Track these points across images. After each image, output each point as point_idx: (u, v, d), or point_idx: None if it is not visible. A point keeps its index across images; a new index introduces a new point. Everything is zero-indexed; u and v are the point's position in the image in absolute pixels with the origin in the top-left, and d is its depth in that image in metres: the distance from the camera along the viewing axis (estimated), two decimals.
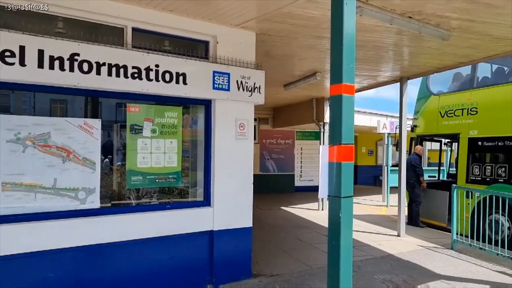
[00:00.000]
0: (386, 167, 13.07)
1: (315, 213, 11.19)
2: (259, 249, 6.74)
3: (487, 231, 7.27)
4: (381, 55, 6.65)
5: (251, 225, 5.31)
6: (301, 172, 16.06)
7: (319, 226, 9.37)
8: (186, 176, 5.30)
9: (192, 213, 4.94)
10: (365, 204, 13.39)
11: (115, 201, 4.77)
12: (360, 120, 13.76)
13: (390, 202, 12.68)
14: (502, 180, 8.02)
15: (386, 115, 14.08)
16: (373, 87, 9.77)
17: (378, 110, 14.98)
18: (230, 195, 5.12)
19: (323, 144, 11.13)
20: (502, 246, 6.56)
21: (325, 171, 2.72)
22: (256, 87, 5.17)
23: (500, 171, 8.13)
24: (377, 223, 9.81)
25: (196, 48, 4.99)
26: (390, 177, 12.73)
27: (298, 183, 15.96)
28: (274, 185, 15.21)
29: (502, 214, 7.27)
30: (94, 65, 4.11)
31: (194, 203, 5.10)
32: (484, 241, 6.90)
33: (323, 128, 11.12)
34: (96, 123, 4.33)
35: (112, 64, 4.21)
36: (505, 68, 8.94)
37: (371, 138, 19.82)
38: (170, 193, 5.14)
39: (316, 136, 14.88)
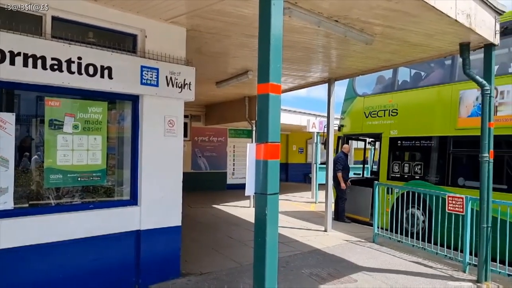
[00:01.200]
0: (315, 165, 13.54)
1: (247, 210, 11.30)
2: (189, 248, 6.67)
3: (404, 224, 7.80)
4: (311, 56, 6.86)
5: (180, 224, 5.23)
6: (233, 170, 16.14)
7: (250, 223, 9.46)
8: (112, 174, 5.09)
9: (118, 213, 4.75)
10: (295, 201, 13.78)
11: (33, 201, 4.45)
12: (291, 119, 14.12)
13: (319, 199, 13.16)
14: (418, 177, 8.66)
15: (316, 115, 14.59)
16: (303, 87, 10.06)
17: (308, 110, 15.50)
18: (159, 194, 4.99)
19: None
20: (418, 238, 7.08)
21: (252, 168, 2.74)
22: (186, 84, 5.09)
23: (416, 168, 8.77)
24: (306, 219, 10.13)
25: (123, 41, 4.80)
26: (318, 175, 13.21)
27: (230, 180, 16.01)
28: (206, 183, 15.12)
29: (418, 208, 7.84)
30: (8, 55, 3.79)
31: (120, 202, 4.91)
32: (402, 233, 7.41)
33: (256, 126, 11.22)
34: (10, 118, 3.99)
35: (29, 55, 3.92)
36: (422, 73, 9.64)
37: (302, 137, 20.42)
38: (96, 192, 4.90)
39: (249, 134, 15.02)
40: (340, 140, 10.91)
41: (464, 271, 6.08)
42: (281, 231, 8.51)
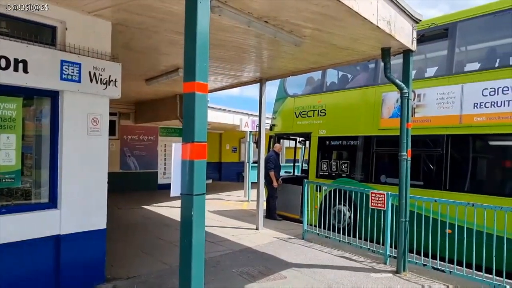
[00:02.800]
0: (247, 163, 13.65)
1: (178, 210, 11.05)
2: (116, 251, 6.40)
3: (332, 220, 8.11)
4: (242, 55, 6.88)
5: (105, 227, 4.98)
6: (164, 170, 15.75)
7: None
8: (29, 176, 4.72)
9: (35, 217, 4.42)
10: (228, 200, 13.79)
11: None
12: (224, 118, 14.11)
13: (251, 197, 13.28)
14: (345, 175, 9.05)
15: (249, 114, 14.71)
16: (236, 86, 10.08)
17: (241, 109, 15.56)
18: (81, 196, 4.72)
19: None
20: (344, 234, 7.40)
21: (178, 169, 2.68)
22: (112, 80, 4.86)
23: (343, 166, 9.16)
24: (238, 218, 10.17)
25: (41, 33, 4.46)
26: (251, 173, 13.32)
27: (161, 180, 15.62)
28: (135, 183, 14.63)
29: (344, 205, 8.19)
30: None
31: (37, 206, 4.56)
32: (330, 229, 7.69)
33: None
34: None
35: None
36: (349, 76, 10.09)
37: (235, 136, 20.51)
38: (11, 195, 4.52)
39: (180, 133, 14.74)
40: (272, 139, 11.10)
41: (385, 263, 6.45)
42: (213, 230, 8.47)
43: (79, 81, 4.55)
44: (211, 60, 7.15)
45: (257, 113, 9.23)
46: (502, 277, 5.20)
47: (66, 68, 4.42)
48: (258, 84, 8.92)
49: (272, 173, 10.02)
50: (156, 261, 6.29)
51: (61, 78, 4.40)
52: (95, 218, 4.87)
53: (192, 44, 2.60)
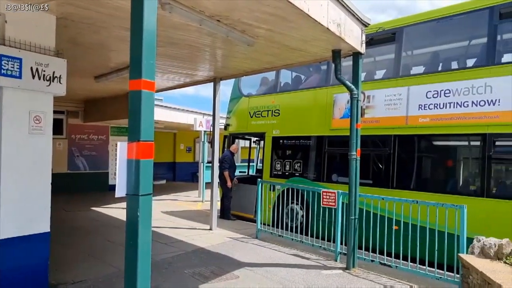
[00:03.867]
0: (202, 163, 13.54)
1: None
2: (62, 256, 6.14)
3: (285, 219, 8.20)
4: (196, 54, 6.80)
5: (49, 230, 4.73)
6: (116, 170, 15.26)
7: None
8: None
9: None
10: (182, 201, 13.60)
11: None
12: (178, 117, 13.91)
13: (206, 198, 13.18)
14: (298, 174, 9.19)
15: (203, 113, 14.58)
16: (190, 85, 9.95)
17: (196, 108, 15.41)
18: (22, 198, 4.45)
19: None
20: (297, 232, 7.50)
21: (123, 168, 2.60)
22: (56, 77, 4.64)
23: (296, 166, 9.30)
24: (192, 219, 10.06)
25: None
26: (205, 173, 13.21)
27: (112, 181, 15.10)
28: (84, 184, 14.09)
29: (297, 204, 8.31)
30: None
31: None
32: (284, 228, 7.78)
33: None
34: None
35: None
36: (302, 77, 10.26)
37: (190, 135, 20.28)
38: None
39: None
40: (226, 139, 11.07)
41: (336, 260, 6.61)
42: (165, 232, 8.33)
43: (19, 77, 4.30)
44: (164, 58, 7.03)
45: (212, 113, 9.16)
46: (443, 269, 5.48)
47: (5, 63, 4.17)
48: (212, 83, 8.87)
49: (226, 173, 10.00)
50: (105, 264, 6.09)
51: (0, 74, 4.15)
52: (38, 222, 4.61)
53: (139, 41, 2.53)
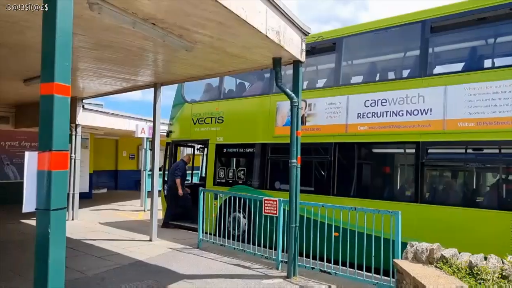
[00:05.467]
0: (144, 171, 13.10)
1: (68, 222, 10.17)
2: None
3: (229, 228, 8.06)
4: (132, 58, 6.53)
5: None
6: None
7: (67, 238, 8.53)
8: None
9: None
10: (122, 210, 13.06)
11: None
12: (119, 124, 13.37)
13: (148, 207, 12.72)
14: (241, 182, 9.10)
15: (146, 120, 14.12)
16: (130, 90, 9.58)
17: (141, 114, 14.91)
18: None
19: (74, 148, 10.30)
20: (240, 241, 7.38)
21: (32, 180, 2.35)
22: None
23: (240, 173, 9.21)
24: (132, 229, 9.64)
25: None
26: (148, 182, 12.78)
27: None
28: (16, 195, 12.83)
29: (240, 212, 8.20)
30: None
31: None
32: (227, 237, 7.62)
33: (75, 130, 10.30)
34: None
35: None
36: (246, 84, 10.22)
37: (133, 142, 19.61)
38: None
39: (69, 139, 13.65)
40: (169, 147, 10.78)
41: (278, 269, 6.56)
42: (101, 244, 7.91)
43: None
44: (99, 61, 6.71)
45: (153, 119, 8.86)
46: (379, 274, 5.59)
47: None
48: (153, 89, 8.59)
49: (178, 181, 9.86)
50: (30, 282, 5.60)
51: None
52: None
53: (51, 40, 2.32)
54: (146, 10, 4.29)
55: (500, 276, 3.99)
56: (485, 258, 4.40)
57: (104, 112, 12.70)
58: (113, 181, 19.49)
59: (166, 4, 4.16)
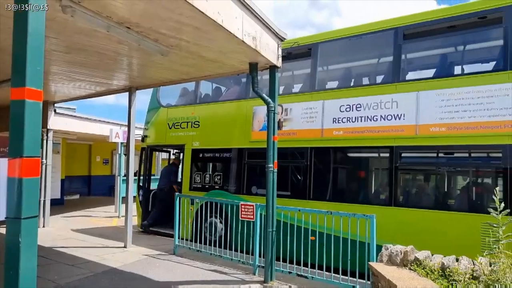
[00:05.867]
0: (118, 177, 12.88)
1: (40, 230, 9.86)
2: None
3: (203, 233, 7.98)
4: (106, 62, 6.42)
5: None
6: None
7: (38, 246, 8.26)
8: None
9: None
10: (96, 217, 12.78)
11: None
12: (92, 128, 13.11)
13: (122, 213, 12.48)
14: (218, 187, 9.05)
15: (120, 124, 13.90)
16: (104, 94, 9.44)
17: (115, 118, 14.66)
18: None
19: (45, 153, 10.04)
20: (217, 246, 7.33)
21: (2, 188, 2.28)
22: None
23: (216, 179, 9.16)
24: (106, 236, 9.44)
25: None
26: (123, 187, 12.55)
27: None
28: None
29: (216, 217, 8.15)
30: None
31: None
32: (203, 243, 7.55)
33: (47, 135, 10.04)
34: None
35: None
36: (222, 88, 10.20)
37: (107, 147, 19.22)
38: None
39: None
40: (144, 152, 10.63)
41: (255, 274, 6.55)
42: (74, 252, 7.71)
43: None
44: (71, 65, 6.57)
45: (127, 123, 8.72)
46: (356, 277, 5.66)
47: None
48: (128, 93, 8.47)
49: (175, 186, 10.10)
50: None
51: None
52: None
53: (22, 43, 2.25)
54: (120, 13, 4.24)
55: (471, 277, 4.10)
56: (457, 260, 4.52)
57: (77, 117, 12.44)
58: (86, 186, 19.06)
59: (141, 8, 4.12)
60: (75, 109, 15.17)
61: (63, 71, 7.03)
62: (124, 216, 10.59)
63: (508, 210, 4.18)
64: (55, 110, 10.57)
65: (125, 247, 8.21)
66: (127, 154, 8.71)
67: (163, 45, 5.22)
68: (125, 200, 8.52)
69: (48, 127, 10.04)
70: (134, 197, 9.60)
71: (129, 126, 8.42)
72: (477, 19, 6.39)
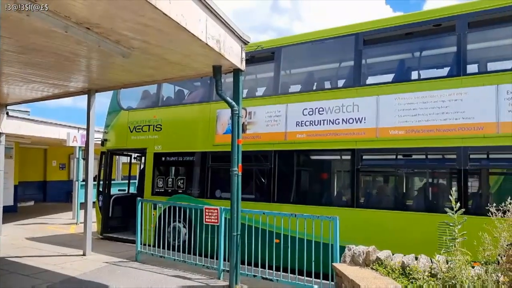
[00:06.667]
0: (76, 182, 12.44)
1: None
2: None
3: (166, 239, 7.84)
4: (64, 63, 6.18)
5: None
6: None
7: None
8: None
9: None
10: (52, 224, 12.27)
11: None
12: (48, 132, 12.58)
13: (81, 219, 12.06)
14: (181, 191, 8.93)
15: (78, 127, 13.43)
16: (62, 96, 9.07)
17: (71, 121, 14.12)
18: None
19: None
20: (181, 251, 7.20)
21: None
22: None
23: (179, 183, 9.03)
24: (64, 244, 9.07)
25: None
26: (81, 193, 12.12)
27: None
28: None
29: (179, 222, 8.02)
30: None
31: None
32: (167, 248, 7.40)
33: None
34: None
35: None
36: (185, 91, 10.08)
37: (64, 151, 18.51)
38: None
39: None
40: (104, 156, 10.32)
41: (219, 278, 6.50)
42: (28, 261, 7.37)
43: None
44: (26, 66, 6.30)
45: (86, 127, 8.44)
46: (320, 278, 5.73)
47: None
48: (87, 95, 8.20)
49: None
50: None
51: None
52: None
53: None
54: (80, 14, 4.10)
55: (429, 274, 4.27)
56: (416, 258, 4.68)
57: (31, 120, 11.89)
58: (42, 193, 18.27)
59: (102, 8, 4.01)
60: (29, 111, 14.49)
61: (17, 72, 6.71)
62: (82, 222, 10.25)
63: (464, 210, 4.36)
64: (7, 113, 10.06)
65: (84, 254, 7.92)
66: (86, 158, 8.42)
67: (124, 46, 5.09)
68: (83, 206, 8.22)
69: (0, 131, 9.54)
70: (94, 202, 9.29)
71: (88, 129, 8.15)
72: (432, 26, 6.67)
